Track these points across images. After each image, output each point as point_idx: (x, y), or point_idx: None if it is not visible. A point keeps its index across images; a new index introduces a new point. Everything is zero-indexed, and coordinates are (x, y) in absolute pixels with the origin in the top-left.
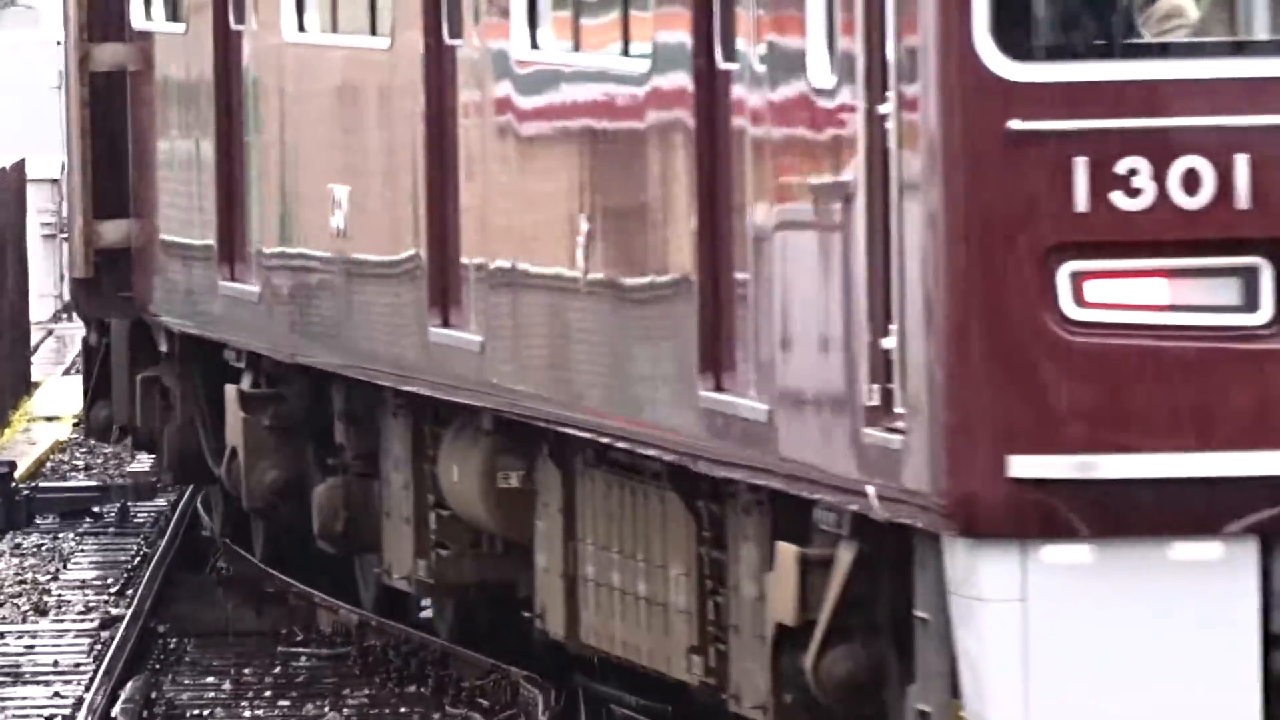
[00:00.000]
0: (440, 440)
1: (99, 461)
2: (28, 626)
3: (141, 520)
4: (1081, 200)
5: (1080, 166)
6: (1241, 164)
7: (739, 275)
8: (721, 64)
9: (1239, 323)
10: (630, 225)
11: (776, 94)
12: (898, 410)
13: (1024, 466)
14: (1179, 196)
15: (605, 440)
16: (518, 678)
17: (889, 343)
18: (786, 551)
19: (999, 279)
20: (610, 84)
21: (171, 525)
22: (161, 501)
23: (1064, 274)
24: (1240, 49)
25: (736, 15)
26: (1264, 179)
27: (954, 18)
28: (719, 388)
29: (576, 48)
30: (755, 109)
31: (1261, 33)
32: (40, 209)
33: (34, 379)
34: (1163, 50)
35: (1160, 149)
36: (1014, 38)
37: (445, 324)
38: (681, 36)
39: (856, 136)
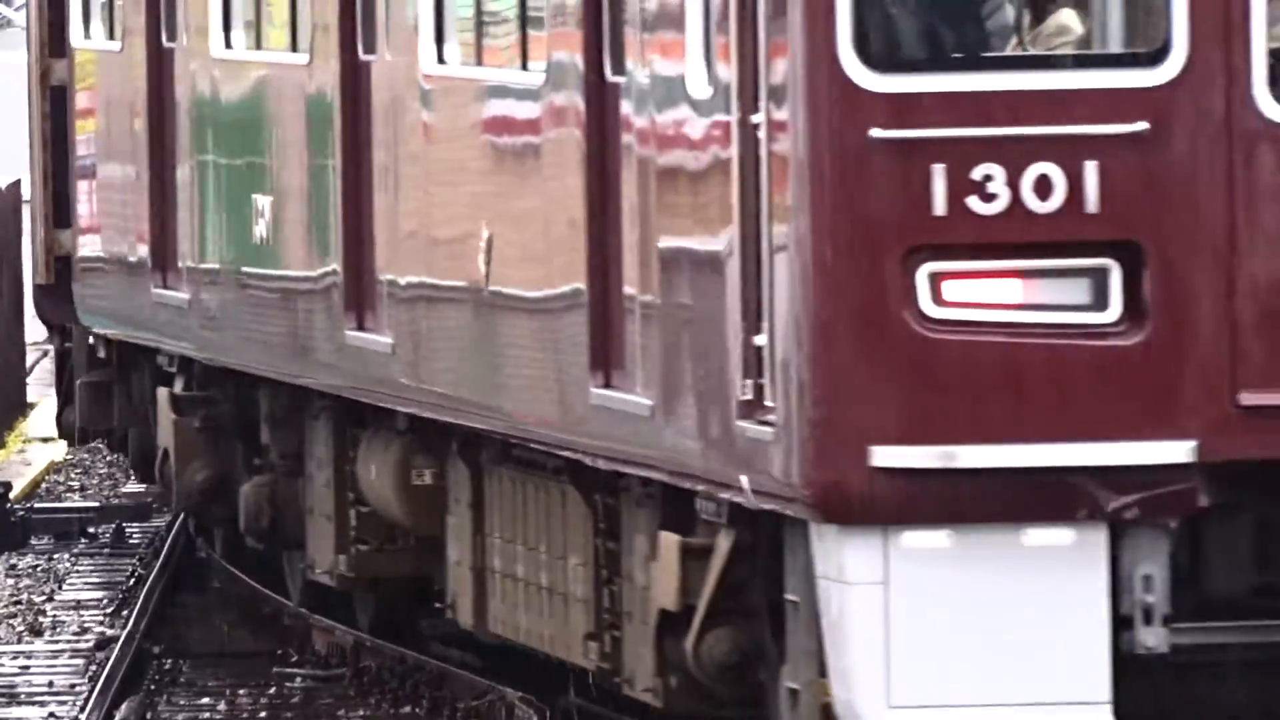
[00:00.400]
0: (359, 441)
1: (94, 482)
2: (23, 647)
3: (137, 541)
4: (939, 205)
5: (938, 173)
6: (1091, 170)
7: (627, 277)
8: (611, 78)
9: (1089, 320)
10: (528, 234)
11: (659, 107)
12: (768, 404)
13: (886, 457)
14: (1032, 201)
15: (508, 438)
16: (513, 699)
17: (761, 340)
18: (669, 540)
19: (861, 279)
20: (509, 98)
21: (167, 546)
22: (157, 522)
23: (923, 275)
24: (1089, 61)
25: (625, 32)
26: (1112, 185)
27: (819, 33)
28: (608, 385)
29: (479, 63)
30: (640, 122)
31: (1114, 46)
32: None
33: (30, 399)
34: (1017, 62)
35: (1014, 156)
36: (875, 51)
37: (360, 328)
38: (573, 53)
39: (731, 146)
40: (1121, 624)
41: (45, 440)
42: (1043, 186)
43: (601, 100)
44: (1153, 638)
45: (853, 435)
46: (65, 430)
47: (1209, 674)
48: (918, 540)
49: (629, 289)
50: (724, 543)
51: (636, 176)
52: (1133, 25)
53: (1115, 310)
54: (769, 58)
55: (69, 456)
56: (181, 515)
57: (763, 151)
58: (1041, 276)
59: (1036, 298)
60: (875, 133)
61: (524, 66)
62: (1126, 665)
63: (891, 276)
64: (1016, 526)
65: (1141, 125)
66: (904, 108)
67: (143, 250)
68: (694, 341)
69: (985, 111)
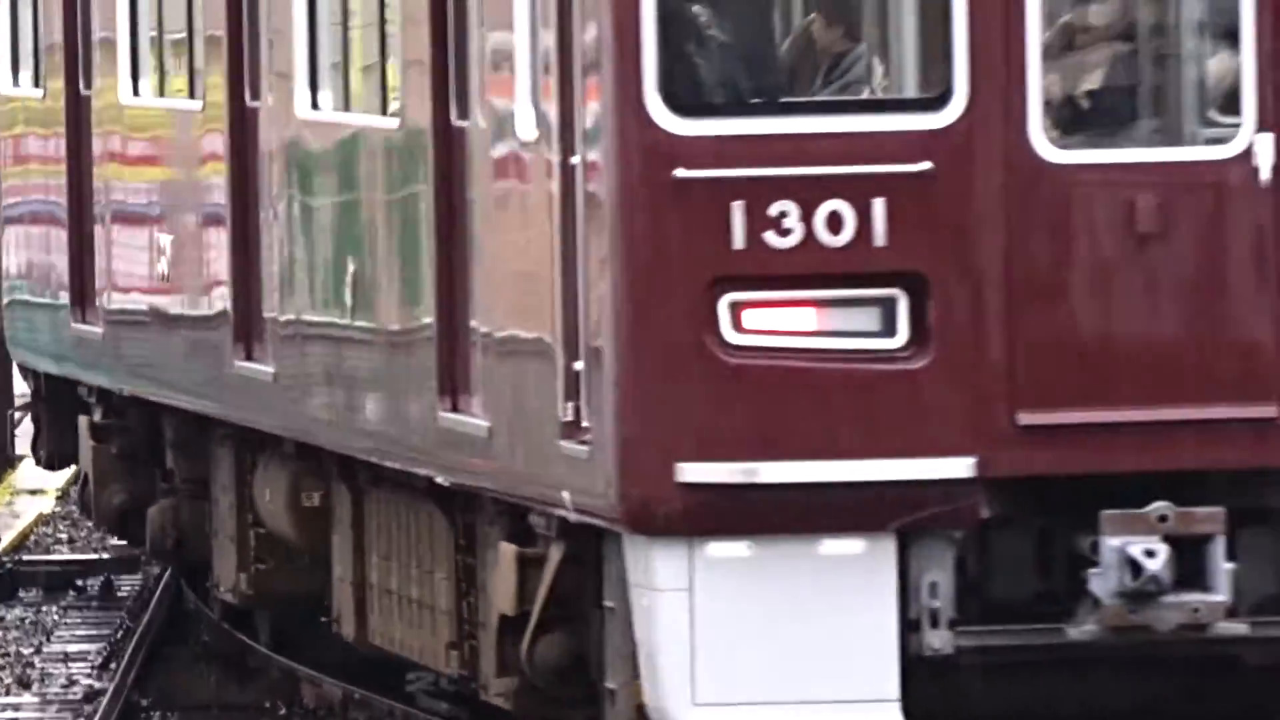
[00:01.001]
0: (256, 466)
1: (82, 535)
2: (11, 699)
3: (125, 594)
4: (739, 239)
5: (737, 209)
6: (879, 207)
7: (471, 310)
8: (456, 122)
9: (879, 346)
10: (386, 269)
11: (495, 148)
12: (585, 425)
13: (690, 473)
14: (824, 236)
15: (372, 461)
16: None
17: (579, 365)
18: (507, 550)
19: (667, 308)
20: (370, 142)
21: (155, 599)
22: (145, 575)
23: (724, 304)
24: (876, 106)
25: (469, 78)
26: (899, 220)
27: (629, 80)
28: (455, 409)
29: (346, 108)
30: (481, 163)
31: (910, 91)
32: None
33: (18, 452)
34: (810, 107)
35: (807, 194)
36: (679, 97)
37: (249, 358)
38: (423, 98)
39: (554, 184)
40: (910, 627)
41: (34, 493)
42: (834, 222)
43: (448, 143)
44: (938, 640)
45: (660, 453)
46: (37, 457)
47: (994, 673)
48: (720, 550)
49: (473, 321)
50: (555, 554)
51: (478, 214)
52: (920, 72)
53: (902, 337)
54: (584, 102)
55: (57, 509)
56: (169, 569)
57: (579, 190)
58: (834, 305)
59: (829, 325)
60: (679, 172)
61: (384, 111)
62: (916, 665)
63: (695, 306)
64: (812, 537)
65: (925, 165)
66: (705, 150)
67: (64, 289)
68: (524, 368)
69: (780, 153)
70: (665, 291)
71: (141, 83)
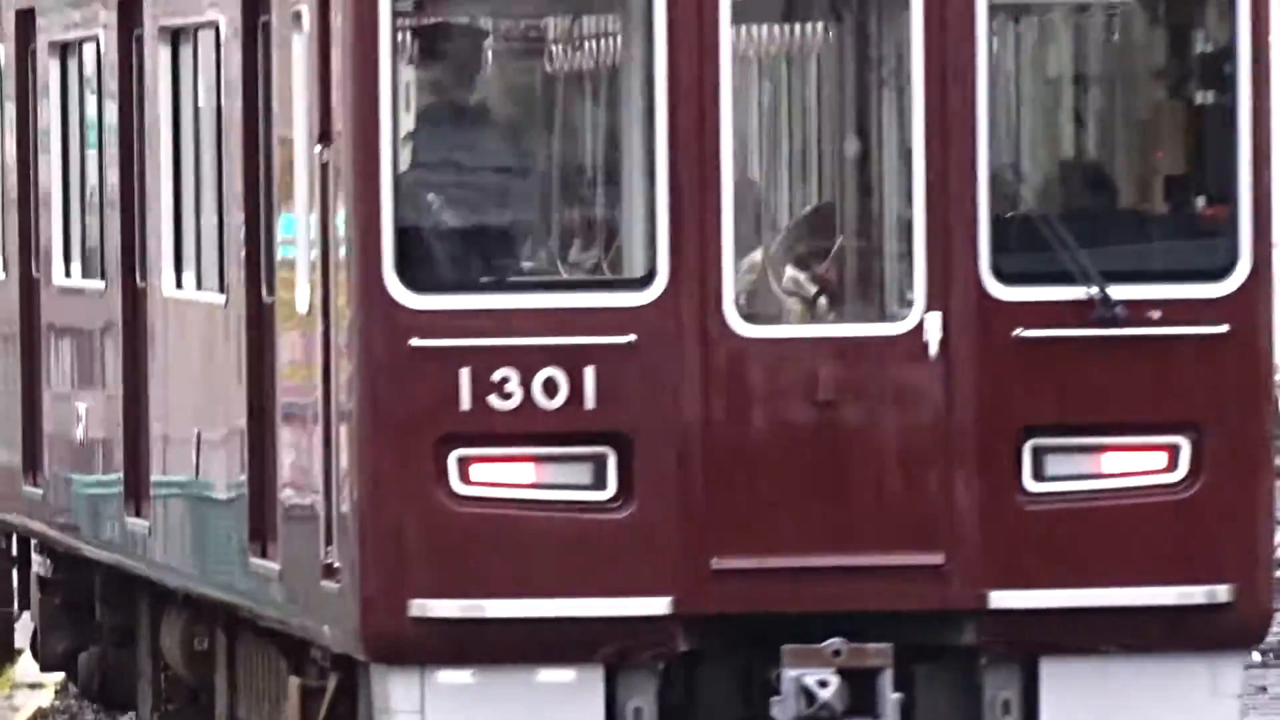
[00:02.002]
0: (162, 613)
1: None
2: None
3: None
4: (466, 401)
5: (464, 375)
6: (589, 374)
7: (278, 469)
8: (266, 299)
9: (590, 498)
10: (217, 432)
11: (285, 324)
12: (337, 566)
13: (422, 609)
14: (541, 399)
15: (213, 602)
16: None
17: (335, 513)
18: (292, 681)
19: (402, 462)
20: (210, 317)
21: None
22: None
23: (453, 459)
24: (588, 285)
25: (276, 264)
26: (607, 386)
27: (371, 260)
28: (263, 554)
29: (199, 287)
30: (279, 335)
31: (618, 272)
32: None
33: (17, 645)
34: (530, 285)
35: (526, 362)
36: (414, 276)
37: (137, 514)
38: (243, 278)
39: (318, 353)
40: None
41: (34, 686)
42: (550, 387)
43: (259, 318)
44: None
45: (396, 592)
46: (35, 653)
47: None
48: (449, 678)
49: (277, 475)
50: (331, 683)
51: (277, 384)
52: (628, 255)
53: (611, 489)
54: (336, 281)
55: (56, 703)
56: None
57: (334, 358)
58: (550, 461)
59: (547, 479)
60: (414, 341)
61: (220, 289)
62: None
63: (426, 461)
64: (530, 667)
65: (630, 337)
66: (436, 322)
67: (17, 455)
68: (302, 517)
69: (502, 325)
70: (401, 448)
71: (73, 266)
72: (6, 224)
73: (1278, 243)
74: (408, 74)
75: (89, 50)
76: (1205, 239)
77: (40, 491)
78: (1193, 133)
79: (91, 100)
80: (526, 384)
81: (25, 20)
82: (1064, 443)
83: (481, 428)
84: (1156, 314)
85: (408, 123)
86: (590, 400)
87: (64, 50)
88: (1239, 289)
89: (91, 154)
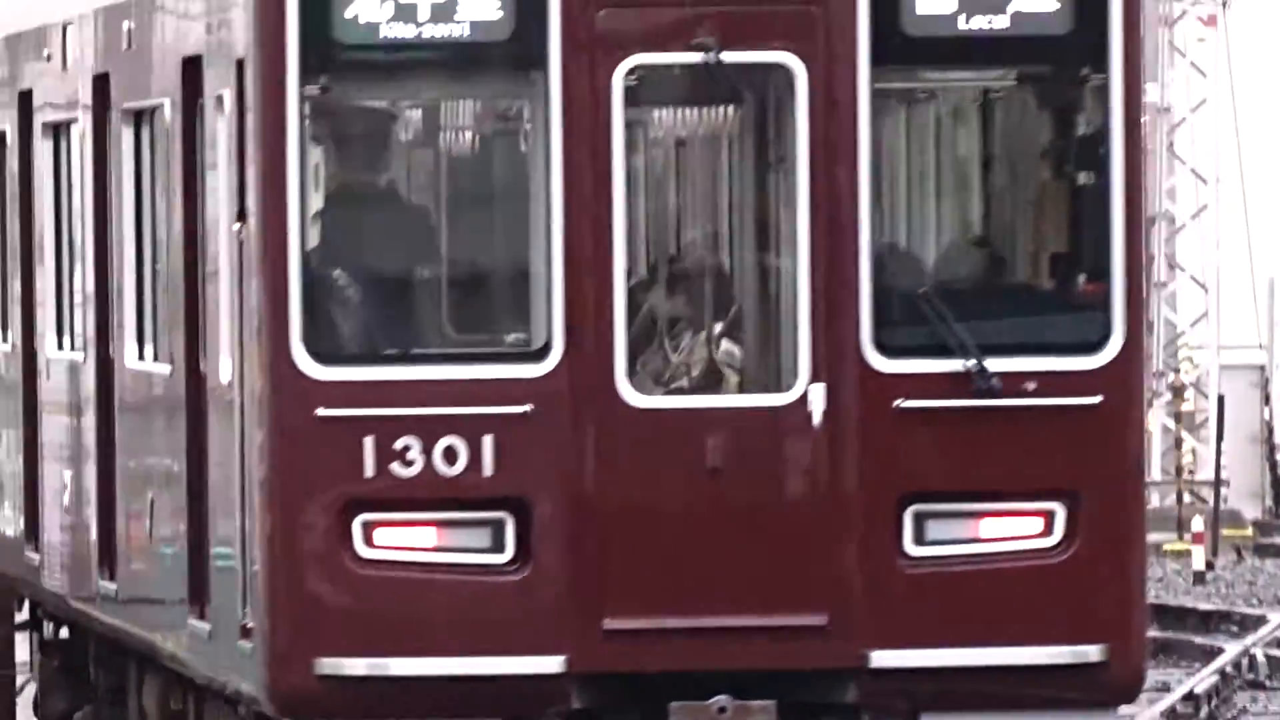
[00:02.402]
0: (145, 675)
1: None
2: None
3: None
4: (370, 468)
5: (369, 443)
6: (488, 442)
7: (208, 530)
8: (202, 368)
9: (489, 561)
10: (165, 498)
11: (213, 391)
12: (250, 626)
13: (328, 667)
14: (441, 466)
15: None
16: None
17: (249, 574)
18: None
19: (309, 526)
20: (157, 387)
21: None
22: None
23: (358, 524)
24: (486, 358)
25: (206, 337)
26: (505, 454)
27: (280, 333)
28: (201, 616)
29: (156, 359)
30: (209, 403)
31: (533, 344)
32: None
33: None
34: (431, 358)
35: (427, 430)
36: (319, 348)
37: (110, 577)
38: (183, 349)
39: (238, 419)
40: None
41: None
42: (450, 455)
43: (197, 387)
44: None
45: (303, 650)
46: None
47: None
48: None
49: (209, 539)
50: None
51: (211, 450)
52: (524, 328)
53: (509, 553)
54: (250, 352)
55: None
56: None
57: (250, 426)
58: (450, 525)
59: (447, 542)
60: (320, 411)
61: (169, 360)
62: None
63: (332, 525)
64: None
65: (527, 407)
66: (341, 392)
67: (20, 523)
68: (226, 579)
69: (404, 396)
70: (308, 513)
71: (63, 340)
72: (9, 298)
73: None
74: (317, 154)
75: (75, 130)
76: (1080, 313)
77: (38, 557)
78: (1070, 211)
79: (77, 180)
80: (428, 451)
81: (25, 101)
82: (943, 509)
83: (385, 493)
84: (1032, 385)
85: (318, 201)
86: (488, 467)
87: (55, 131)
88: (1112, 362)
89: (77, 230)
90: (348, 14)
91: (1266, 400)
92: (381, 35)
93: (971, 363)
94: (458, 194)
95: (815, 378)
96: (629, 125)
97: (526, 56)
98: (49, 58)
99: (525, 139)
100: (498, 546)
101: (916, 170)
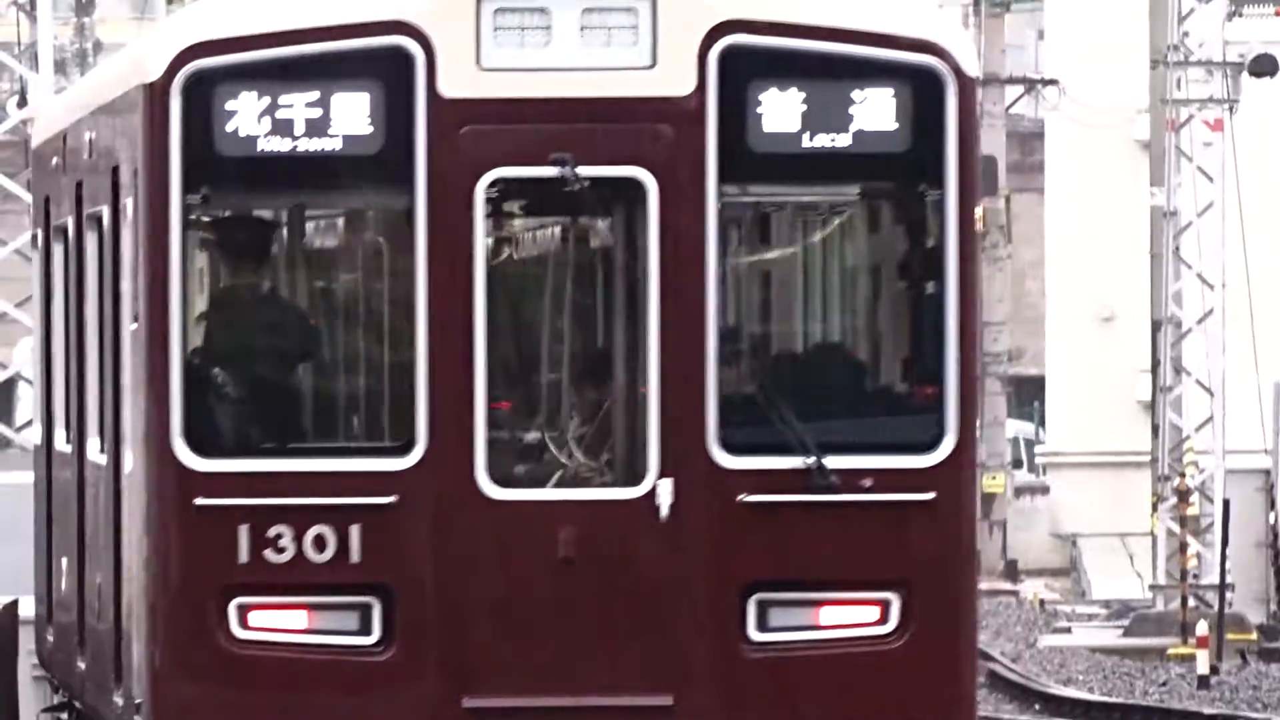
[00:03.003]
0: None
1: None
2: None
3: None
4: (244, 555)
5: (244, 531)
6: (355, 531)
7: (114, 611)
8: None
9: (357, 643)
10: (105, 583)
11: (92, 476)
12: (139, 701)
13: None
14: (312, 554)
15: None
16: None
17: (129, 657)
18: None
19: (188, 609)
20: (103, 473)
21: None
22: None
23: (233, 606)
24: (354, 451)
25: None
26: (371, 542)
27: (161, 427)
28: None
29: (100, 450)
30: (95, 487)
31: (398, 439)
32: (31, 650)
33: None
34: (303, 452)
35: (298, 520)
36: (199, 442)
37: (82, 654)
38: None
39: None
40: None
41: None
42: (320, 542)
43: (116, 477)
44: None
45: None
46: None
47: None
48: None
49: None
50: None
51: (123, 536)
52: (390, 425)
53: (376, 635)
54: (140, 444)
55: None
56: None
57: (127, 511)
58: (320, 609)
59: (317, 625)
60: (198, 500)
61: (102, 450)
62: None
63: (209, 608)
64: None
65: (392, 498)
66: (218, 483)
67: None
68: (129, 658)
69: (278, 487)
70: (185, 596)
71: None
72: (36, 393)
73: None
74: (202, 260)
75: (69, 234)
76: (915, 415)
77: (51, 640)
78: (908, 319)
79: (60, 283)
80: (299, 539)
81: (45, 206)
82: (785, 597)
83: (258, 579)
84: (868, 482)
85: (202, 304)
86: (356, 554)
87: (64, 235)
88: (944, 460)
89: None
90: (228, 128)
91: (1272, 505)
92: (259, 148)
93: (811, 460)
94: (330, 299)
95: (663, 473)
96: (490, 235)
97: (394, 169)
98: (56, 166)
99: (393, 247)
100: (365, 629)
101: (762, 279)
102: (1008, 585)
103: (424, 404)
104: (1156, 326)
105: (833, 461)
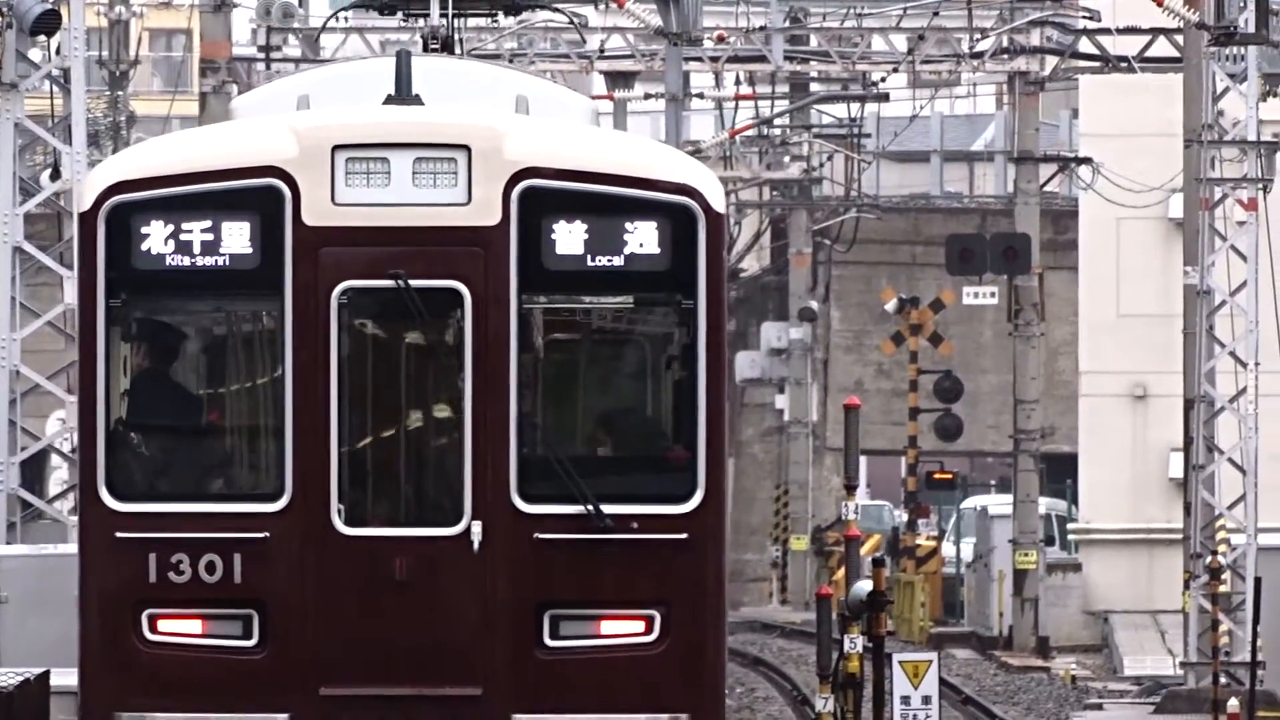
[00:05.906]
0: None
1: None
2: None
3: None
4: (153, 576)
5: (153, 558)
6: (238, 559)
7: None
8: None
9: (241, 645)
10: None
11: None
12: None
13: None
14: (204, 576)
15: None
16: None
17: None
18: None
19: (110, 619)
20: None
21: None
22: None
23: (144, 616)
24: (238, 496)
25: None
26: (250, 567)
27: (90, 478)
28: None
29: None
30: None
31: (269, 488)
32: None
33: None
34: (198, 496)
35: (194, 550)
36: (118, 489)
37: None
38: (80, 479)
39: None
40: None
41: None
42: (210, 567)
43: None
44: None
45: (104, 706)
46: None
47: None
48: None
49: None
50: None
51: None
52: (264, 473)
53: (255, 639)
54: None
55: None
56: None
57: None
58: (212, 619)
59: (210, 631)
60: (118, 534)
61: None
62: None
63: (126, 618)
64: None
65: (266, 534)
66: (134, 521)
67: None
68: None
69: (179, 525)
70: (108, 608)
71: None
72: None
73: None
74: (125, 349)
75: None
76: (673, 474)
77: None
78: (668, 399)
79: None
80: (195, 565)
81: None
82: (572, 613)
83: (164, 595)
84: (636, 525)
85: (124, 383)
86: (238, 577)
87: None
88: (696, 508)
89: None
90: (142, 247)
91: None
92: (166, 263)
93: (590, 507)
94: (220, 380)
95: (475, 516)
96: (343, 331)
97: (269, 280)
98: None
99: (269, 339)
100: (247, 635)
101: (555, 367)
102: (1039, 662)
103: (290, 462)
104: (1189, 404)
105: (608, 508)
